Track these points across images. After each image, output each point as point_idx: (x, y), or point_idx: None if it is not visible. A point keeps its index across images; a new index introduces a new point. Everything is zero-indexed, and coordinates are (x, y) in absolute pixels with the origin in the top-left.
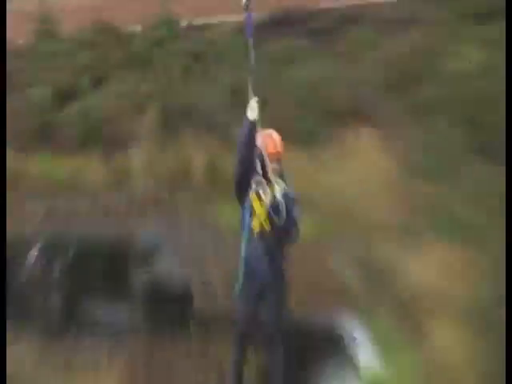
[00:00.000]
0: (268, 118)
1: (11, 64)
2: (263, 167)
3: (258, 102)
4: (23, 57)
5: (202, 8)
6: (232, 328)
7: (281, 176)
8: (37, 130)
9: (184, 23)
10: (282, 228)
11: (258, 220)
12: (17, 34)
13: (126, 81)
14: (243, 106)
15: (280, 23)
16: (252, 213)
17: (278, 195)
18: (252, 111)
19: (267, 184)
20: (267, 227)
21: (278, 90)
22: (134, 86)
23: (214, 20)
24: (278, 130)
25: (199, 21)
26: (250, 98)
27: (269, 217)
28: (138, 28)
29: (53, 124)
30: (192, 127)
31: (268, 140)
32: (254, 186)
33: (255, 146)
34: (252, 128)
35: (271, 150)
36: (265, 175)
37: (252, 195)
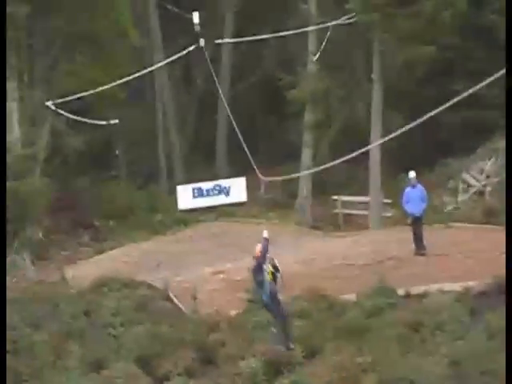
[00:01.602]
0: None
1: (223, 335)
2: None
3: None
4: (235, 328)
5: (419, 276)
6: None
7: (271, 261)
8: None
9: (401, 292)
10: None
11: (269, 276)
12: (229, 305)
13: (341, 352)
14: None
15: (501, 293)
16: (267, 274)
17: (272, 268)
18: (265, 234)
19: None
20: (271, 279)
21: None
22: (350, 358)
23: (432, 288)
24: None
25: (417, 289)
26: (264, 231)
27: (272, 275)
28: (353, 297)
29: None
30: None
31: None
32: (268, 264)
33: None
34: (267, 242)
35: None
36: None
37: (267, 268)
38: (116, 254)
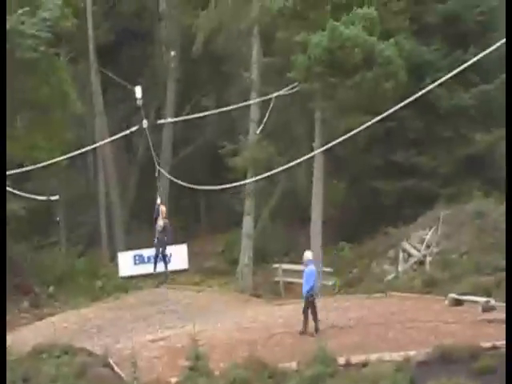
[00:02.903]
0: None
1: None
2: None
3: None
4: None
5: (360, 344)
6: None
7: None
8: None
9: (342, 360)
10: (166, 229)
11: (160, 227)
12: (169, 372)
13: None
14: None
15: (441, 362)
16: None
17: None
18: (158, 201)
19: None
20: (162, 228)
21: None
22: None
23: (372, 357)
24: None
25: (357, 358)
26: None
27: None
28: (294, 365)
29: None
30: None
31: (162, 208)
32: (160, 219)
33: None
34: (162, 206)
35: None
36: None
37: (160, 221)
38: (56, 320)
